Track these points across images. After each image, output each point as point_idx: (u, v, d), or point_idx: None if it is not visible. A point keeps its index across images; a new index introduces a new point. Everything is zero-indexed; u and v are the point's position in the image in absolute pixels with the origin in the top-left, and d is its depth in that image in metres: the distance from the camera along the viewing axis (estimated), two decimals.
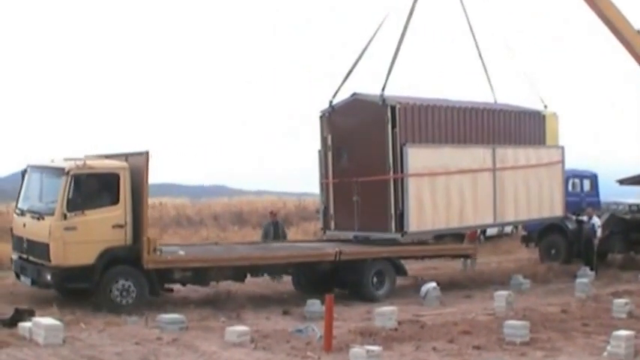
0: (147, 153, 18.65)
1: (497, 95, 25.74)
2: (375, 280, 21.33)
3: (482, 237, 28.71)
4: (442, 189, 22.74)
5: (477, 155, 23.85)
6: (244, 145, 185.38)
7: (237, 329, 14.80)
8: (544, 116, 26.08)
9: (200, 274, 19.66)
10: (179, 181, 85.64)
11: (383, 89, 21.85)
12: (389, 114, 21.74)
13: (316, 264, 21.41)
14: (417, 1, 22.57)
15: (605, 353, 13.65)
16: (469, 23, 24.85)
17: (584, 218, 28.06)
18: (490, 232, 33.84)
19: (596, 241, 26.94)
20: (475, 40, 25.14)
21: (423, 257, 24.33)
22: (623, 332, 13.93)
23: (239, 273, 20.48)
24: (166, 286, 19.54)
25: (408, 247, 23.44)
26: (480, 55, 25.38)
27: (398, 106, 21.82)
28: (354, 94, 22.90)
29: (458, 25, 25.13)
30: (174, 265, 19.31)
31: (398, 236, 22.25)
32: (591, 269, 25.61)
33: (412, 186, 21.92)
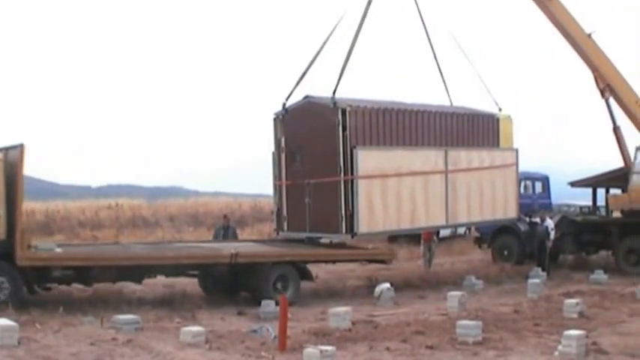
0: (22, 146, 18.12)
1: (453, 98, 26.03)
2: (278, 284, 20.45)
3: (435, 238, 28.89)
4: (393, 191, 22.81)
5: (428, 157, 23.97)
6: (201, 147, 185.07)
7: (192, 330, 14.78)
8: (498, 119, 26.26)
9: (82, 274, 18.88)
10: (136, 182, 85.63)
11: (334, 92, 21.88)
12: (339, 117, 21.77)
13: (212, 266, 20.75)
14: (370, 3, 22.69)
15: (556, 353, 13.81)
16: (424, 26, 25.08)
17: (537, 220, 28.39)
18: (443, 233, 34.06)
19: (549, 243, 27.23)
20: (430, 42, 25.38)
21: (334, 262, 23.78)
22: (574, 332, 14.14)
23: (131, 273, 19.69)
24: (47, 285, 18.94)
25: (314, 251, 22.79)
26: (436, 58, 25.61)
27: (348, 109, 21.88)
28: (306, 97, 22.93)
29: (414, 28, 25.32)
30: (50, 263, 18.55)
31: (348, 237, 22.28)
32: (543, 270, 25.90)
33: (362, 188, 21.97)
